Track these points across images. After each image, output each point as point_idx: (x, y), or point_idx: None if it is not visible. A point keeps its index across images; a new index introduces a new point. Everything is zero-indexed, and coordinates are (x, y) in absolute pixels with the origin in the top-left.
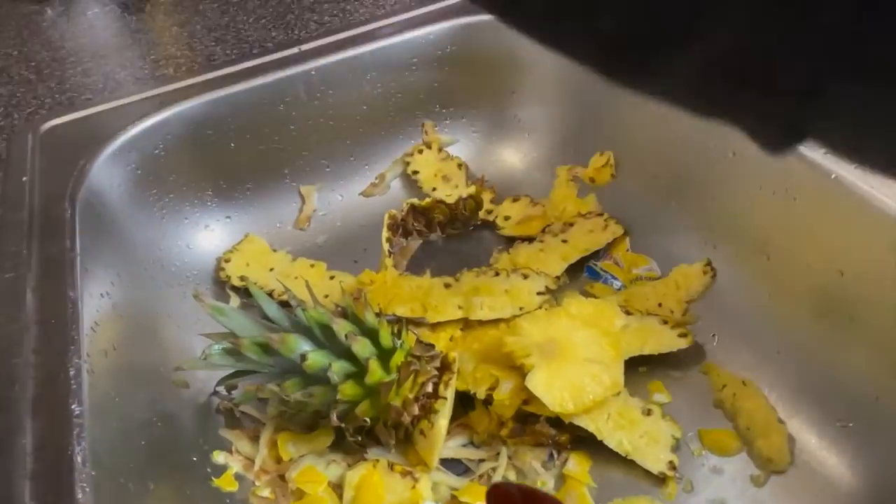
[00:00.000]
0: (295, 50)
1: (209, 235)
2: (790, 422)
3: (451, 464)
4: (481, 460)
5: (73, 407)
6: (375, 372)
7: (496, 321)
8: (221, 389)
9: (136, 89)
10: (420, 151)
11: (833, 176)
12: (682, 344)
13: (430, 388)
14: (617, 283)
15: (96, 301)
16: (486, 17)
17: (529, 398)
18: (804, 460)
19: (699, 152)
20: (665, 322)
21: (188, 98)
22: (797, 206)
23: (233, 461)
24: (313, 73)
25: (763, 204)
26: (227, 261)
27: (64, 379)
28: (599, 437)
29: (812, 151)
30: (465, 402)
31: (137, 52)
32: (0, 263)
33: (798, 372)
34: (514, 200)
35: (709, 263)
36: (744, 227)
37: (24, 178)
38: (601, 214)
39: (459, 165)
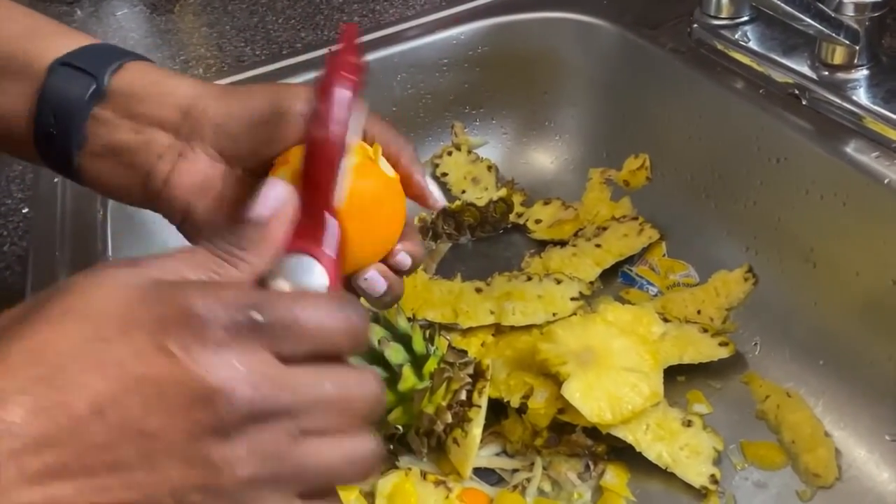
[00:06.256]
0: (325, 51)
1: None
2: (837, 435)
3: (484, 473)
4: (515, 470)
5: None
6: (409, 378)
7: (529, 327)
8: None
9: None
10: (449, 153)
11: (886, 181)
12: (724, 353)
13: (463, 396)
14: (653, 290)
15: None
16: (517, 16)
17: (565, 407)
18: (852, 475)
19: (740, 154)
20: (705, 330)
21: None
22: (846, 212)
23: None
24: None
25: (809, 208)
26: None
27: None
28: (638, 449)
29: (863, 155)
30: (497, 409)
31: (167, 53)
32: (32, 266)
33: (845, 383)
34: (546, 203)
35: (750, 269)
36: (788, 232)
37: (56, 180)
38: (636, 218)
39: (489, 167)
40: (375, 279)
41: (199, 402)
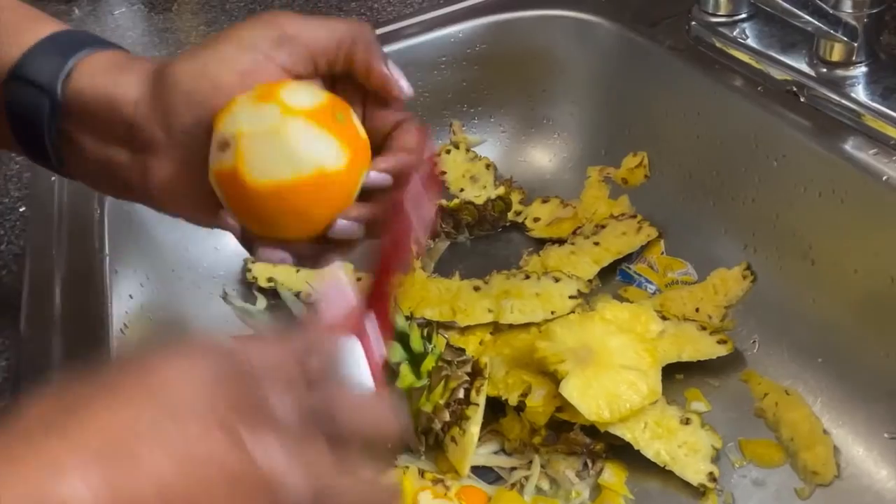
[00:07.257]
0: None
1: None
2: (836, 433)
3: (482, 471)
4: (513, 468)
5: None
6: (406, 377)
7: (527, 325)
8: None
9: None
10: (447, 151)
11: (884, 178)
12: (722, 351)
13: (461, 394)
14: (651, 287)
15: (125, 303)
16: (515, 14)
17: (563, 405)
18: (851, 473)
19: (738, 152)
20: (703, 328)
21: None
22: (845, 209)
23: None
24: None
25: (808, 206)
26: (255, 262)
27: None
28: (636, 447)
29: (862, 152)
30: (495, 407)
31: (165, 52)
32: (29, 265)
33: (844, 381)
34: (544, 202)
35: (748, 267)
36: (786, 229)
37: (53, 178)
38: (634, 216)
39: (487, 166)
40: (346, 227)
41: (261, 492)
